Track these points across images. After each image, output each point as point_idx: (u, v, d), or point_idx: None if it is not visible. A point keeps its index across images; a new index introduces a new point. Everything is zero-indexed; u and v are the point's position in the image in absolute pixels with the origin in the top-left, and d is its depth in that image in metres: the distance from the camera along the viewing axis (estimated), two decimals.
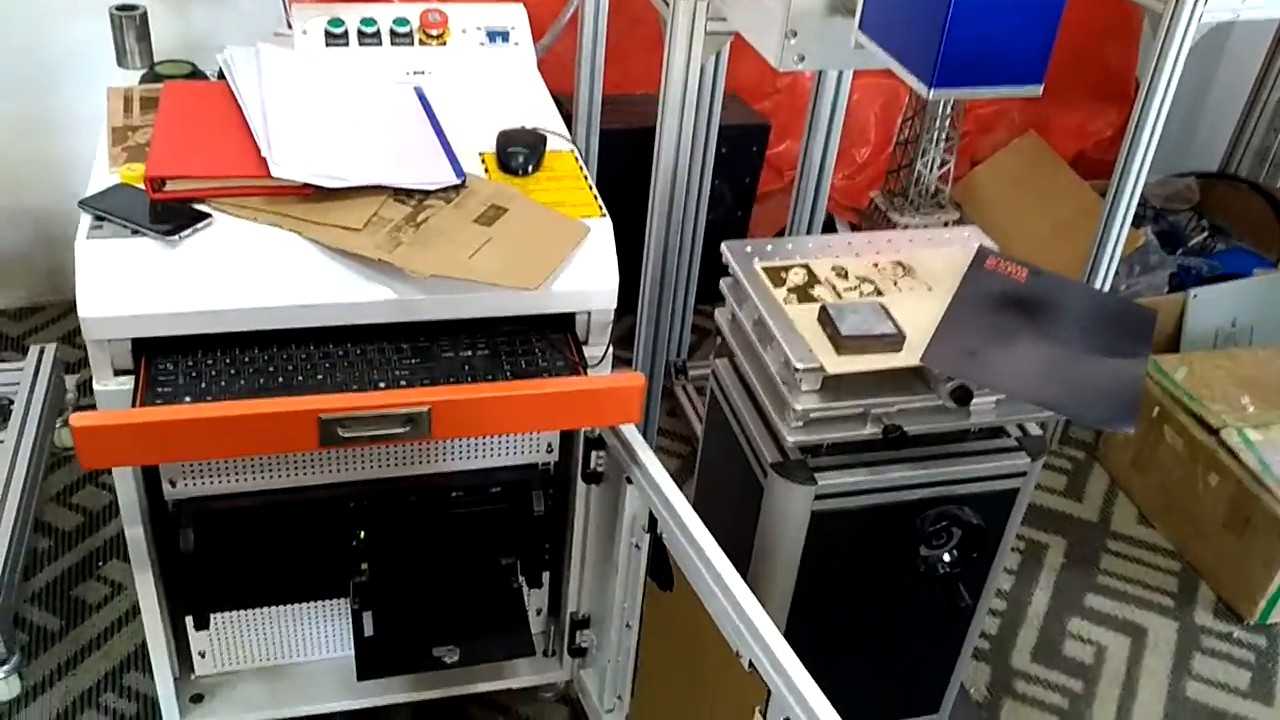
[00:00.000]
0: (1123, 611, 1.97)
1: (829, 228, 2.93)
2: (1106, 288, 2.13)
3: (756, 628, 1.12)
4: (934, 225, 2.21)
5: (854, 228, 2.68)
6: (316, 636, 1.62)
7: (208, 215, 1.28)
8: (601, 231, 1.37)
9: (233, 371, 1.26)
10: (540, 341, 1.34)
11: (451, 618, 1.57)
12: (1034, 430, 1.36)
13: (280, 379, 1.26)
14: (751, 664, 1.14)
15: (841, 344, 1.23)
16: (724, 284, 1.40)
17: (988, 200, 2.59)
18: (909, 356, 1.23)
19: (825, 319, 1.26)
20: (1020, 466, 1.33)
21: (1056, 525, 2.13)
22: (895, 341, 1.24)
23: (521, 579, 1.60)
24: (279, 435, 1.19)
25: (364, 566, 1.54)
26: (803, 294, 1.32)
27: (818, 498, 1.27)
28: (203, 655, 1.58)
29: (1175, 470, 2.10)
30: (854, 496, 1.29)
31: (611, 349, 1.39)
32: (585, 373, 1.33)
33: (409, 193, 1.35)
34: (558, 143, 1.51)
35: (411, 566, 1.56)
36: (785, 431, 1.25)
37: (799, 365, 1.21)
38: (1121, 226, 2.07)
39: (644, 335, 1.76)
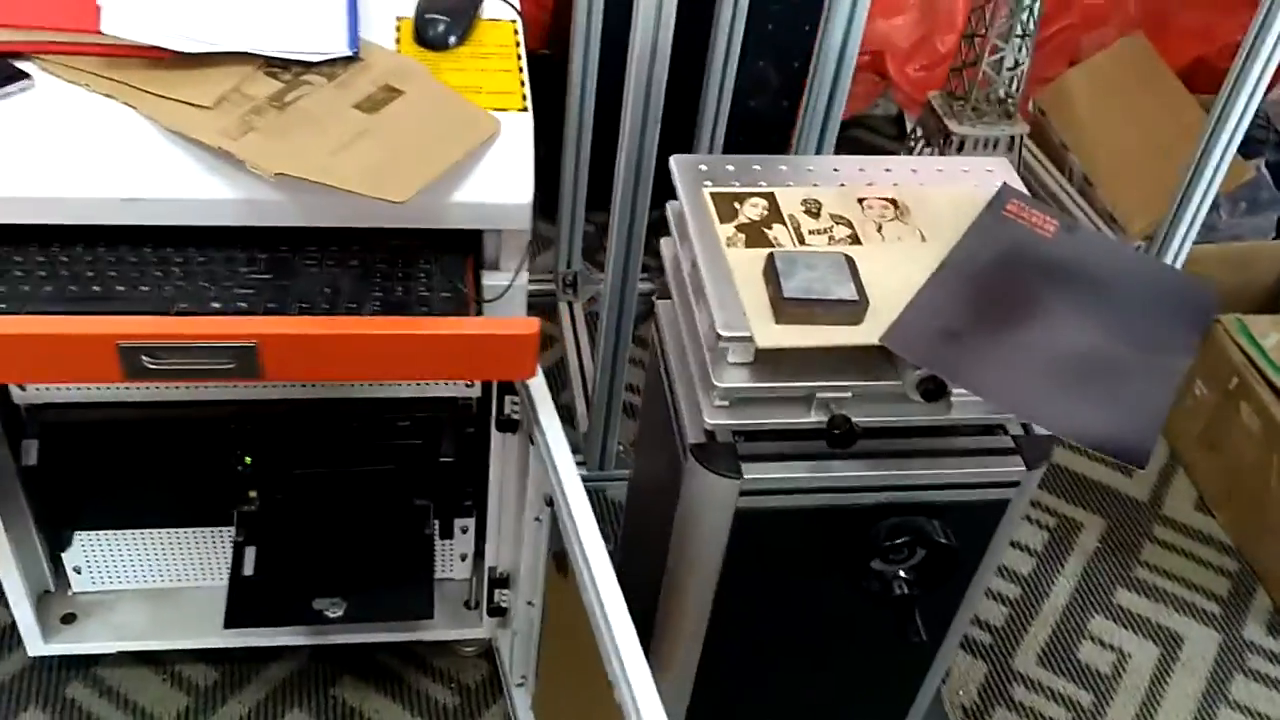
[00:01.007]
0: (1158, 614, 1.69)
1: (899, 125, 2.59)
2: (1196, 227, 1.78)
3: (629, 675, 0.88)
4: (998, 137, 1.88)
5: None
6: (208, 561, 1.43)
7: (26, 76, 1.05)
8: (519, 130, 1.10)
9: (43, 274, 1.03)
10: (429, 264, 1.09)
11: (348, 563, 1.37)
12: (1041, 430, 1.07)
13: (97, 288, 1.03)
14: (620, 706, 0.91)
15: (782, 308, 0.95)
16: (669, 209, 1.12)
17: (1077, 111, 2.22)
18: (868, 332, 0.95)
19: (770, 273, 0.98)
20: (1012, 475, 1.05)
21: (1097, 501, 1.84)
22: (854, 310, 0.96)
23: (436, 524, 1.39)
24: (70, 363, 0.97)
25: (252, 495, 1.34)
26: (754, 234, 1.04)
27: (744, 493, 1.02)
28: (78, 571, 1.41)
29: (1247, 454, 1.78)
30: (791, 495, 1.03)
31: (524, 277, 1.13)
32: (478, 309, 1.08)
33: (286, 64, 1.09)
34: (498, 9, 1.23)
35: (308, 500, 1.35)
36: (706, 410, 0.99)
37: (723, 332, 0.94)
38: (1224, 153, 1.71)
39: (616, 246, 1.49)
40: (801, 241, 1.04)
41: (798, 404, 0.99)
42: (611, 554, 0.99)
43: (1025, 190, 1.13)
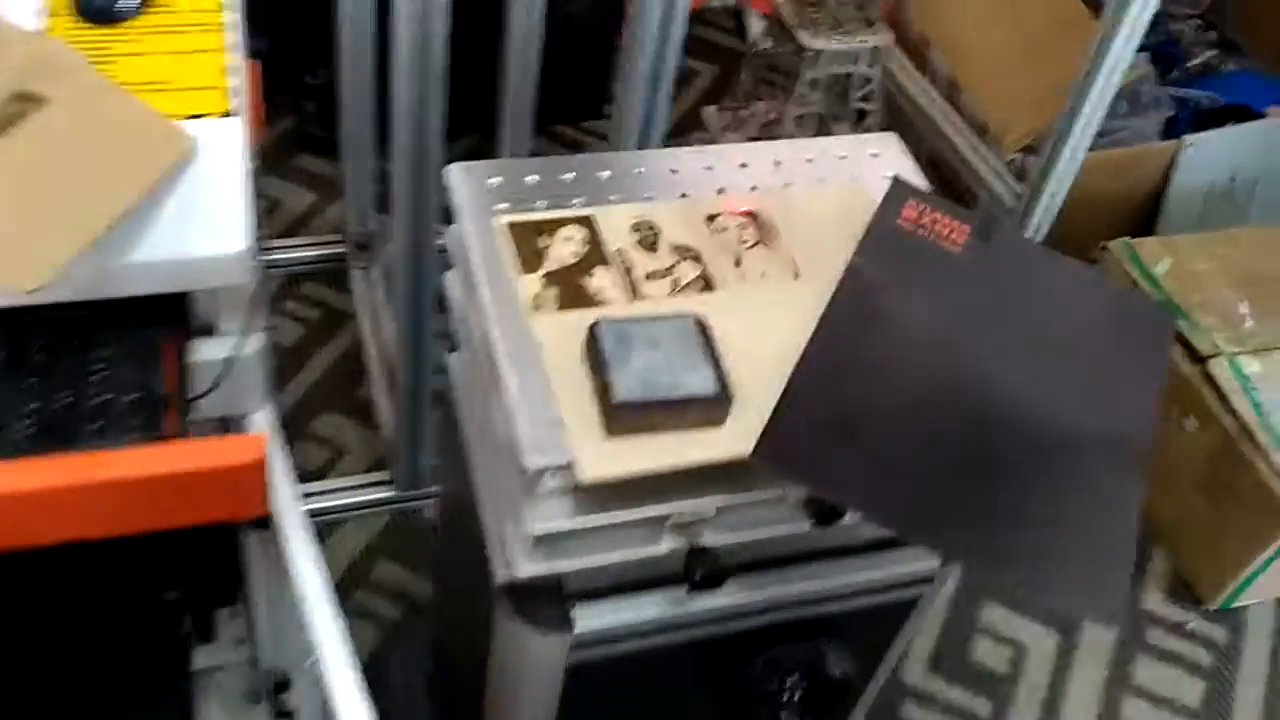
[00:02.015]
0: None
1: (738, 19, 2.27)
2: (1088, 137, 1.53)
3: None
4: (858, 51, 1.60)
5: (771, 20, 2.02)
6: None
7: None
8: (223, 144, 0.77)
9: None
10: (110, 348, 0.77)
11: (72, 687, 1.06)
12: None
13: None
14: None
15: (614, 417, 0.67)
16: (449, 240, 0.81)
17: (942, 9, 1.95)
18: (733, 439, 0.68)
19: (594, 357, 0.69)
20: (923, 571, 0.81)
21: None
22: (712, 409, 0.68)
23: (190, 622, 1.09)
24: None
25: None
26: (570, 288, 0.74)
27: (577, 646, 0.75)
28: None
29: None
30: (640, 639, 0.77)
31: (257, 341, 0.82)
32: (185, 410, 0.77)
33: None
34: None
35: (20, 604, 1.03)
36: (517, 554, 0.71)
37: (530, 461, 0.66)
38: (1127, 46, 1.43)
39: (403, 217, 1.18)
40: (635, 294, 0.75)
41: (641, 532, 0.72)
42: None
43: (923, 181, 0.86)
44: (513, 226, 0.77)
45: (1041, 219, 1.59)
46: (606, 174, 0.82)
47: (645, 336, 0.70)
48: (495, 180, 0.80)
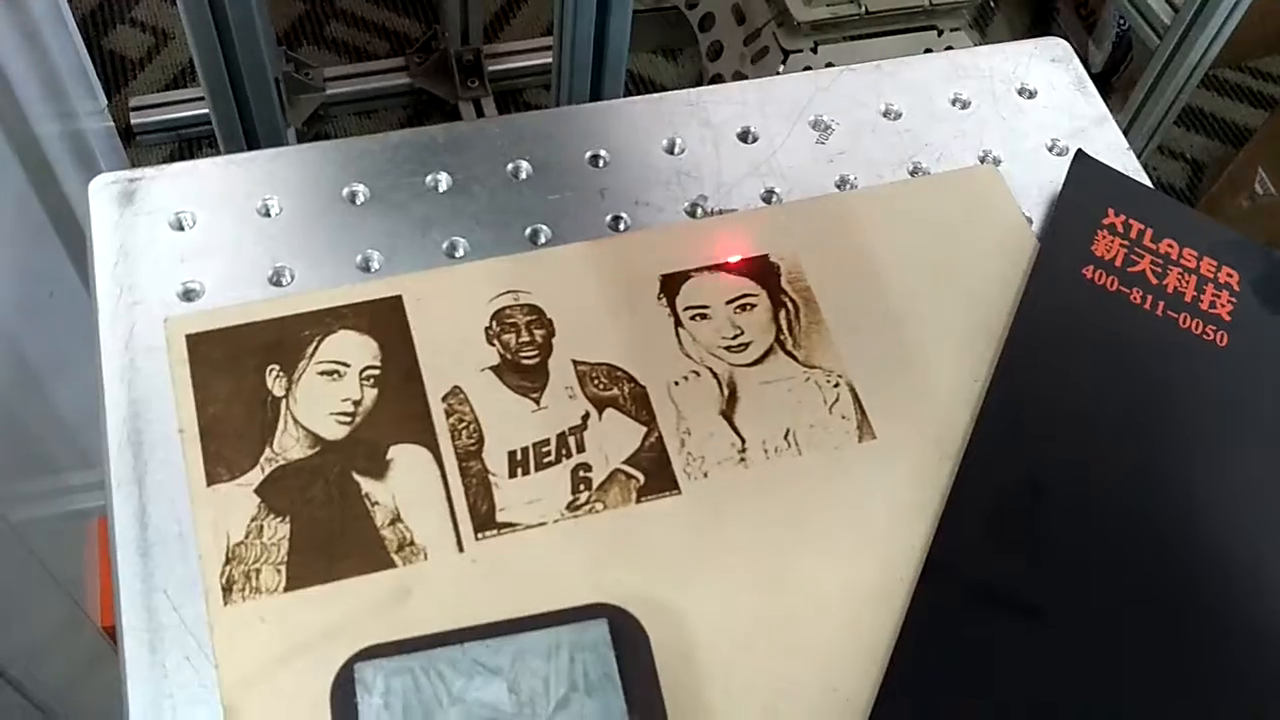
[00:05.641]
0: None
1: None
2: None
3: None
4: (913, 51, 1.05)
5: None
6: None
7: None
8: None
9: None
10: None
11: None
12: None
13: None
14: None
15: None
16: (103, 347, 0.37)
17: None
18: None
19: None
20: None
21: None
22: None
23: None
24: None
25: None
26: (315, 521, 0.31)
27: None
28: None
29: None
30: None
31: None
32: None
33: None
34: None
35: None
36: None
37: None
38: None
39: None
40: (485, 517, 0.31)
41: None
42: None
43: (1135, 168, 0.40)
44: (197, 342, 0.33)
45: (1216, 33, 1.03)
46: (443, 180, 0.37)
47: (478, 698, 0.27)
48: (181, 211, 0.35)
